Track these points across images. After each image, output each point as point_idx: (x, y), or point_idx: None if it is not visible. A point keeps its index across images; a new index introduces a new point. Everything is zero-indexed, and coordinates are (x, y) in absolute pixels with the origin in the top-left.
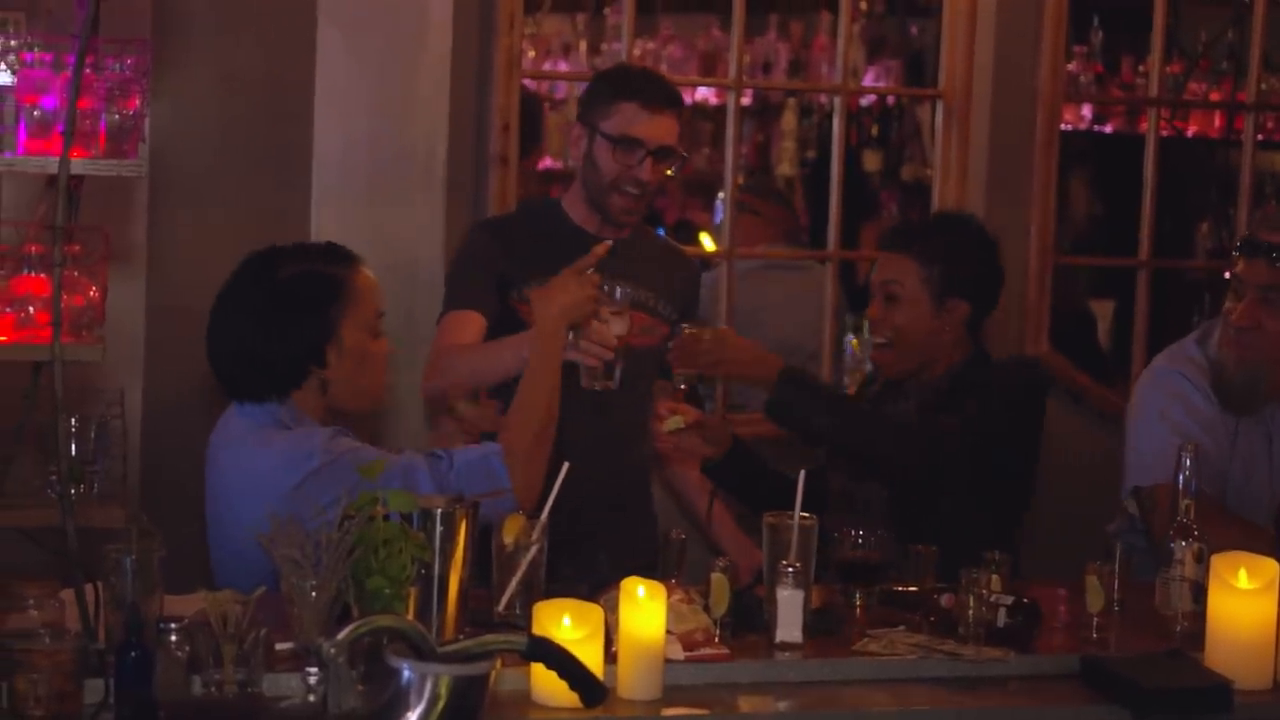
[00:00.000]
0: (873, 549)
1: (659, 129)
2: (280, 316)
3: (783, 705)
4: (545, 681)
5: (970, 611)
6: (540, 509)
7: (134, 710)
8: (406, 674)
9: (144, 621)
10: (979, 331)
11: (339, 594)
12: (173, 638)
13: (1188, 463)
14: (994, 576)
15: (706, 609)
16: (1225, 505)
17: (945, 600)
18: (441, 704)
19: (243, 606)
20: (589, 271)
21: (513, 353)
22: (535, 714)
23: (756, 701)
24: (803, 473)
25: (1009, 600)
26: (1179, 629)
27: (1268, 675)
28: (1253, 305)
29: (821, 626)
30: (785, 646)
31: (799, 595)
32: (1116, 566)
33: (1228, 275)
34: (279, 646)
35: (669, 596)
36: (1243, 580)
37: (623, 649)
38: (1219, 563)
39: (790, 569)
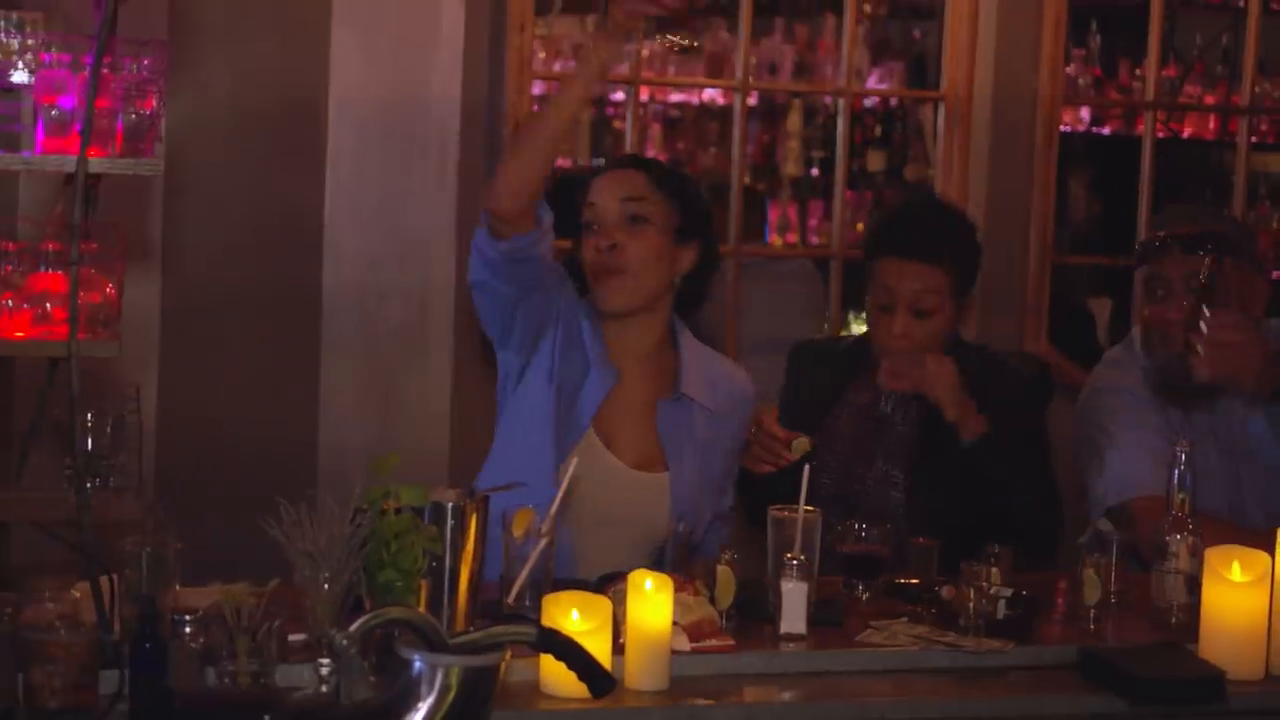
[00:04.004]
0: (875, 542)
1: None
2: None
3: (787, 695)
4: (554, 672)
5: (970, 604)
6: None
7: (149, 701)
8: (418, 665)
9: (159, 613)
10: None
11: (351, 586)
12: (187, 629)
13: (1181, 458)
14: (993, 569)
15: (712, 601)
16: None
17: (946, 592)
18: (452, 694)
19: (256, 598)
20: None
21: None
22: (544, 704)
23: (761, 691)
24: (807, 467)
25: (1008, 592)
26: (1174, 621)
27: (1260, 666)
28: (1184, 298)
29: (825, 618)
30: (790, 638)
31: (803, 587)
32: (1113, 559)
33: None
34: (292, 638)
35: (675, 589)
36: (1236, 573)
37: (630, 640)
38: (1213, 556)
39: (795, 561)
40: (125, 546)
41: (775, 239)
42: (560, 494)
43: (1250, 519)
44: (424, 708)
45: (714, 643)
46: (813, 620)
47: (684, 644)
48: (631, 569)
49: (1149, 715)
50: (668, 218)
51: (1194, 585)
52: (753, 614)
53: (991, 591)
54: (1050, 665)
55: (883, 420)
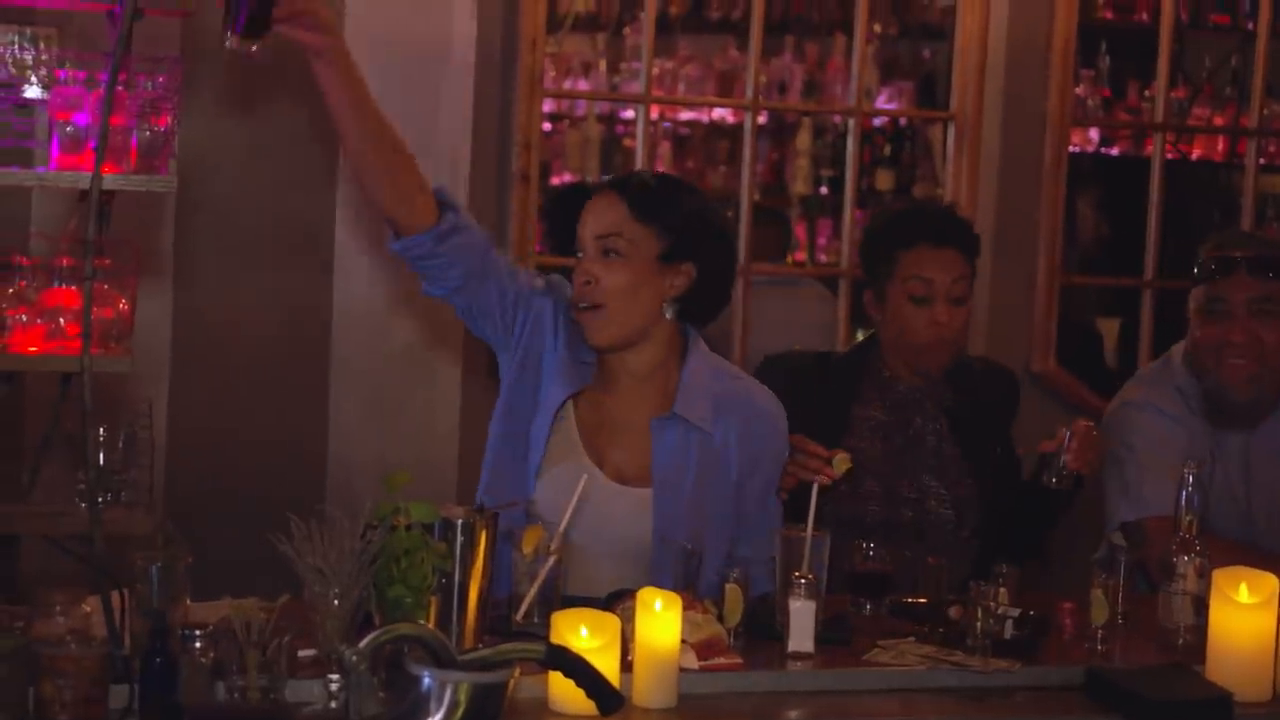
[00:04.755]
0: (884, 561)
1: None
2: None
3: (794, 714)
4: (563, 689)
5: (978, 623)
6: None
7: (159, 716)
8: (427, 681)
9: (169, 628)
10: None
11: (361, 602)
12: (197, 644)
13: (1190, 479)
14: (1001, 590)
15: (720, 619)
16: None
17: (954, 612)
18: (461, 710)
19: (266, 614)
20: None
21: None
22: None
23: (769, 709)
24: (815, 485)
25: (1015, 613)
26: (1181, 642)
27: (1267, 688)
28: (1247, 320)
29: (832, 637)
30: (797, 656)
31: (811, 606)
32: (1121, 580)
33: (1190, 300)
34: (302, 653)
35: (684, 607)
36: (1243, 595)
37: (638, 658)
38: (1220, 577)
39: (803, 580)
40: (136, 561)
41: (785, 258)
42: (569, 511)
43: (1274, 543)
44: None
45: (722, 661)
46: (820, 639)
47: (692, 662)
48: (614, 585)
49: None
50: (647, 246)
51: (1201, 606)
52: (761, 633)
53: (999, 611)
54: (1057, 686)
55: (914, 438)
